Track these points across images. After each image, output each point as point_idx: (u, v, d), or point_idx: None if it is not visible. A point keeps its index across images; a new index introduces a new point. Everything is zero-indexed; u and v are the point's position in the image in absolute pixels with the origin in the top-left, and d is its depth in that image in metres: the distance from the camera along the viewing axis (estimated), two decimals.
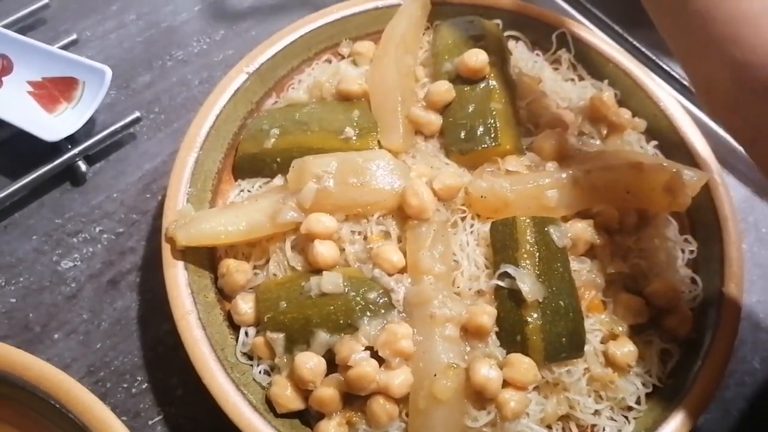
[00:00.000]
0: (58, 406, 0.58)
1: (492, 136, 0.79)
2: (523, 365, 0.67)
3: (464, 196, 0.76)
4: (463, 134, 0.80)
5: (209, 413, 0.69)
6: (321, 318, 0.69)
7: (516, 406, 0.65)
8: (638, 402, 0.72)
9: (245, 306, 0.73)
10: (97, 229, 0.88)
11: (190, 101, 1.00)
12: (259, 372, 0.71)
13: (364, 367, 0.65)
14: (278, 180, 0.80)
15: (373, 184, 0.73)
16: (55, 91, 0.92)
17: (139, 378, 0.79)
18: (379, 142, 0.80)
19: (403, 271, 0.72)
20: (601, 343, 0.72)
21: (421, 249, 0.71)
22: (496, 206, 0.75)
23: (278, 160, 0.81)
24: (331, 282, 0.69)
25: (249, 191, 0.82)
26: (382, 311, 0.69)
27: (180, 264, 0.73)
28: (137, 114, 0.94)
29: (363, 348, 0.67)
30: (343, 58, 0.94)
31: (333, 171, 0.73)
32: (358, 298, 0.69)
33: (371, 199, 0.73)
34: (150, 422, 0.76)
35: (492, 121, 0.80)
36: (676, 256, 0.81)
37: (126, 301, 0.83)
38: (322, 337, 0.68)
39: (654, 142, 0.89)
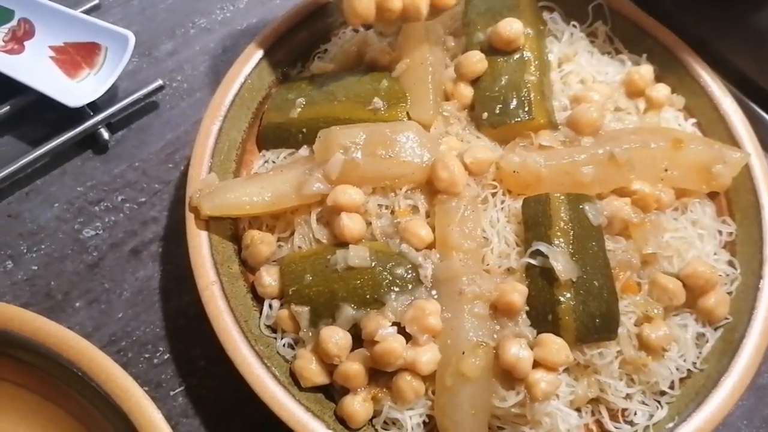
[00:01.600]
0: (80, 373, 0.58)
1: (525, 109, 0.77)
2: (555, 346, 0.65)
3: (495, 171, 0.74)
4: (495, 107, 0.78)
5: (232, 385, 0.68)
6: (347, 292, 0.67)
7: (546, 387, 0.64)
8: (671, 386, 0.70)
9: (269, 278, 0.71)
10: (119, 198, 0.87)
11: (213, 70, 0.98)
12: (283, 345, 0.70)
13: (390, 342, 0.64)
14: (304, 151, 0.78)
15: (401, 156, 0.71)
16: (77, 56, 0.91)
17: (161, 348, 0.78)
18: (408, 113, 0.78)
19: (431, 246, 0.70)
20: (635, 325, 0.69)
21: (451, 224, 0.69)
22: (528, 182, 0.73)
23: (304, 130, 0.79)
24: (357, 256, 0.68)
25: (273, 162, 0.81)
26: (410, 287, 0.67)
27: (204, 234, 0.72)
28: (160, 82, 0.93)
29: (390, 323, 0.65)
30: (370, 27, 0.91)
31: (361, 142, 0.71)
32: (386, 273, 0.67)
33: (399, 171, 0.71)
34: (172, 393, 0.75)
35: (525, 93, 0.77)
36: (714, 237, 0.78)
37: (148, 271, 0.82)
38: (348, 311, 0.67)
39: (693, 120, 0.86)
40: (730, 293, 0.75)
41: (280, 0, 1.05)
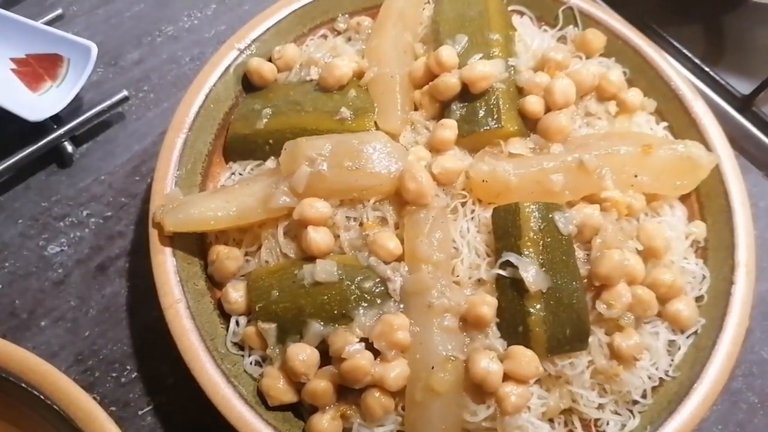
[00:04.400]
0: (42, 397, 0.56)
1: (494, 117, 0.76)
2: (525, 358, 0.64)
3: (465, 181, 0.73)
4: (464, 116, 0.77)
5: (200, 403, 0.67)
6: (314, 308, 0.66)
7: (517, 401, 0.63)
8: (644, 395, 0.70)
9: (236, 294, 0.70)
10: (85, 213, 0.85)
11: (181, 79, 0.96)
12: (251, 363, 0.69)
13: (358, 359, 0.63)
14: (270, 163, 0.77)
15: (369, 167, 0.70)
16: (39, 68, 0.89)
17: (129, 367, 0.76)
18: (376, 123, 0.76)
19: (400, 259, 0.69)
20: (606, 334, 0.69)
21: (419, 236, 0.68)
22: (498, 191, 0.72)
23: (270, 141, 0.77)
24: (324, 270, 0.67)
25: (240, 174, 0.79)
26: (378, 301, 0.66)
27: (168, 250, 0.70)
28: (125, 93, 0.91)
29: (358, 339, 0.64)
30: (339, 33, 0.90)
31: (327, 154, 0.70)
32: (353, 288, 0.66)
33: (367, 183, 0.70)
34: (140, 412, 0.74)
35: (494, 101, 0.76)
36: (685, 242, 0.77)
37: (115, 288, 0.81)
38: (316, 327, 0.66)
39: (664, 123, 0.86)
40: (701, 298, 0.75)
41: (249, 6, 1.04)
